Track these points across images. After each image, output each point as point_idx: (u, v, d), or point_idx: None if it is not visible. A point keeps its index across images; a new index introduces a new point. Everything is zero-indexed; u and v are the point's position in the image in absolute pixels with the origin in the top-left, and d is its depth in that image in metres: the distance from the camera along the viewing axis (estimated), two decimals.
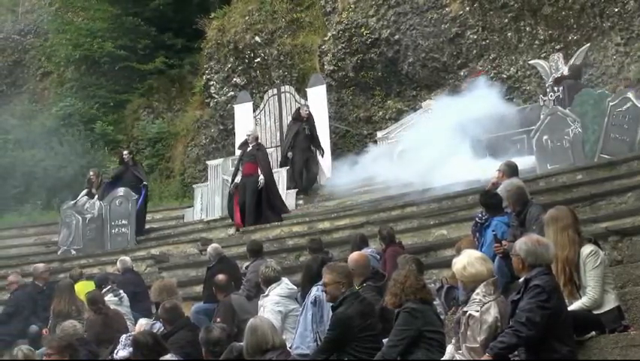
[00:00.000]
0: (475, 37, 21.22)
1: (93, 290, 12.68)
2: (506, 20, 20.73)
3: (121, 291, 13.25)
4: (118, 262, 14.91)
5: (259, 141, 19.54)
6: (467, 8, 21.16)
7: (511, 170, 12.23)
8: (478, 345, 7.08)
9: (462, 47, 21.45)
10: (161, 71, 27.75)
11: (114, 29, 28.59)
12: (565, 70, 19.05)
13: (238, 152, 20.12)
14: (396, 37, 22.14)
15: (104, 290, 13.13)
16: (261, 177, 18.43)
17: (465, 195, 15.84)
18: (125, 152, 21.59)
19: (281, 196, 19.22)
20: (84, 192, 20.95)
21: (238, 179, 18.74)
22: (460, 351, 7.31)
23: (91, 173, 21.39)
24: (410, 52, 22.06)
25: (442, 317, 8.87)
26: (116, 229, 19.92)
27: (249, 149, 18.90)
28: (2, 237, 22.79)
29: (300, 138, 20.51)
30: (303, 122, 20.53)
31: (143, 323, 11.05)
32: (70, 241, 20.23)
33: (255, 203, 18.31)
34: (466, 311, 7.26)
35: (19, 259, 20.35)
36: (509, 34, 20.79)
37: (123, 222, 19.89)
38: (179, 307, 10.00)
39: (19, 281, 14.92)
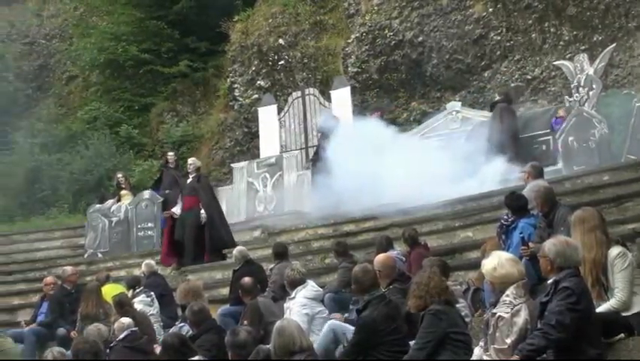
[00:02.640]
0: (499, 38, 21.15)
1: (120, 293, 12.74)
2: (530, 21, 20.64)
3: (152, 293, 13.30)
4: (143, 265, 14.94)
5: (200, 171, 18.22)
6: (491, 9, 21.10)
7: (537, 171, 12.24)
8: (506, 347, 7.06)
9: (486, 49, 21.38)
10: (185, 74, 27.84)
11: (138, 33, 28.72)
12: (496, 95, 19.55)
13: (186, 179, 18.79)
14: (420, 38, 22.11)
15: (136, 291, 13.21)
16: (203, 212, 17.26)
17: (490, 196, 15.78)
18: (171, 153, 21.34)
19: (228, 229, 17.67)
20: (111, 202, 20.94)
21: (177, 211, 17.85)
22: (488, 353, 7.29)
23: (119, 175, 21.36)
24: (434, 53, 22.02)
25: (467, 319, 8.84)
26: (142, 232, 19.99)
27: (189, 180, 17.87)
28: (30, 240, 22.92)
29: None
30: None
31: None
32: (96, 243, 20.33)
33: (195, 240, 17.22)
34: (495, 313, 7.24)
35: (47, 262, 20.50)
36: (534, 35, 20.70)
37: (149, 225, 19.95)
38: (206, 310, 10.03)
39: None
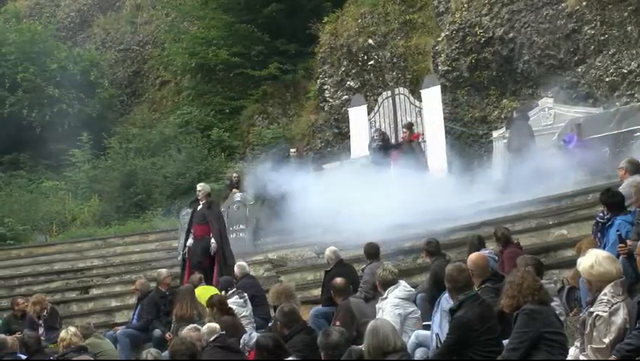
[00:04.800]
0: (593, 32, 20.70)
1: (215, 294, 12.84)
2: (626, 14, 20.14)
3: (245, 294, 13.37)
4: (235, 267, 15.00)
5: (211, 197, 16.94)
6: (584, 3, 20.67)
7: (634, 167, 11.93)
8: (604, 346, 6.91)
9: (579, 43, 20.96)
10: (275, 76, 28.03)
11: (228, 37, 29.06)
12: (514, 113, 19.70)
13: (187, 213, 18.04)
14: (511, 35, 21.82)
15: (229, 293, 13.31)
16: (213, 241, 16.17)
17: (585, 193, 15.49)
18: (293, 150, 21.32)
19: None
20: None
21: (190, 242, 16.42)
22: (585, 353, 7.14)
23: (235, 175, 21.55)
24: (525, 50, 21.70)
25: (562, 318, 8.69)
26: (234, 234, 20.07)
27: (199, 207, 16.52)
28: (125, 243, 23.37)
29: None
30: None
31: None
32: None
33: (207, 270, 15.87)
34: (593, 312, 7.08)
35: (142, 265, 20.86)
36: (629, 27, 20.18)
37: (241, 226, 20.08)
38: (296, 311, 10.04)
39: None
